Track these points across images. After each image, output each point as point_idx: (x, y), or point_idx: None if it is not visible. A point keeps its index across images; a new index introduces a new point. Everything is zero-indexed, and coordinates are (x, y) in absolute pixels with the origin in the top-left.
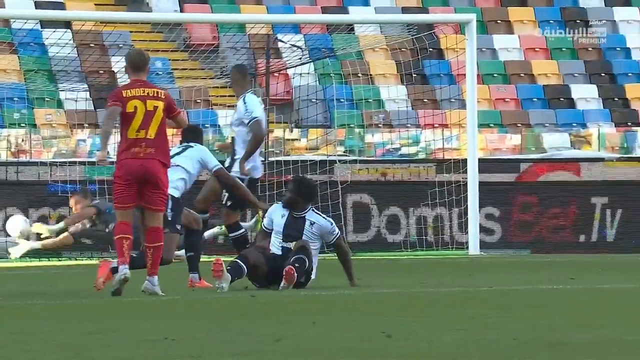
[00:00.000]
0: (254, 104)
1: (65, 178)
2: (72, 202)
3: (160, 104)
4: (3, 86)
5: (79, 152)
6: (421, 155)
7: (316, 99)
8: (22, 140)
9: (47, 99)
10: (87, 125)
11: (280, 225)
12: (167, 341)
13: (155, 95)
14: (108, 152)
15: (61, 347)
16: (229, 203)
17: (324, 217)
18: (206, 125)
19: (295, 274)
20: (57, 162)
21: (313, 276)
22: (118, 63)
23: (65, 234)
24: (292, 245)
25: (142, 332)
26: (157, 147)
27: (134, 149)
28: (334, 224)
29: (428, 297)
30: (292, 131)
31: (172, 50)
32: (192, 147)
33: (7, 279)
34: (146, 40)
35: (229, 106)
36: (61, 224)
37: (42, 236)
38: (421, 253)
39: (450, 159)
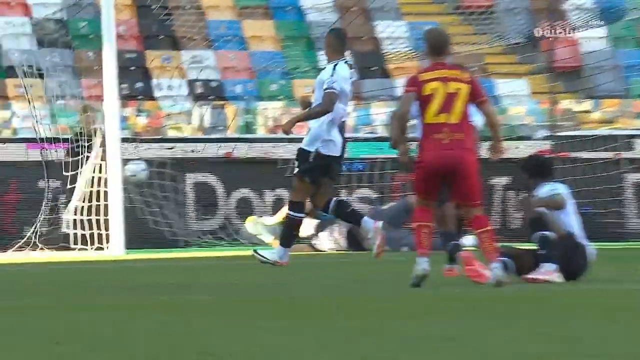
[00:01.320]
0: (341, 76)
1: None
2: None
3: (464, 87)
4: (259, 55)
5: None
6: None
7: (609, 66)
8: (280, 114)
9: (306, 68)
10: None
11: None
12: (449, 341)
13: (458, 77)
14: (409, 146)
15: (323, 348)
16: (297, 170)
17: (548, 183)
18: None
19: (538, 275)
20: None
21: (585, 242)
22: (382, 30)
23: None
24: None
25: (412, 330)
26: (464, 132)
27: (436, 134)
28: (554, 187)
29: None
30: (581, 102)
31: (442, 14)
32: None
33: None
34: (415, 4)
35: (505, 74)
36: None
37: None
38: None
39: None
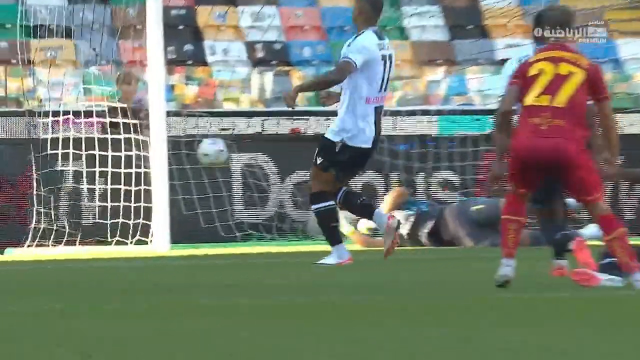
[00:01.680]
0: (362, 45)
1: (412, 132)
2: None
3: (580, 72)
4: (331, 11)
5: (431, 98)
6: None
7: None
8: None
9: (389, 28)
10: (440, 61)
11: None
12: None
13: (575, 61)
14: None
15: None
16: (319, 161)
17: None
18: (603, 61)
19: None
20: (400, 111)
21: None
22: None
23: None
24: None
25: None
26: (569, 120)
27: (533, 119)
28: None
29: None
30: None
31: None
32: None
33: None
34: None
35: (630, 33)
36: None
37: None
38: None
39: None
